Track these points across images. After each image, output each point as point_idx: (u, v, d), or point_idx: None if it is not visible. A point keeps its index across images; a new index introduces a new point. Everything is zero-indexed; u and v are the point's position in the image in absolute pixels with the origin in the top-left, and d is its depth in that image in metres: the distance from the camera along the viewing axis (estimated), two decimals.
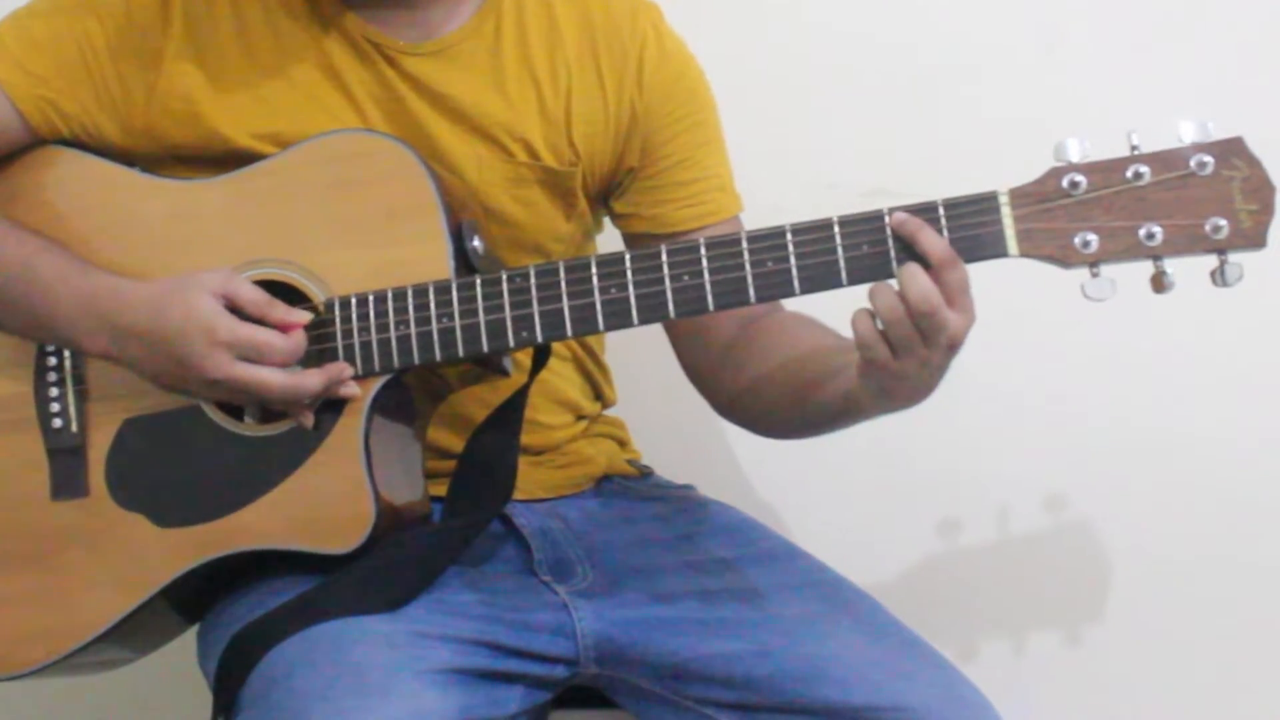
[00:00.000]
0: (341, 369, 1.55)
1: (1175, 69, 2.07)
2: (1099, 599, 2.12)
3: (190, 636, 1.73)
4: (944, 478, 2.12)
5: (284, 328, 1.56)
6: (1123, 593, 2.11)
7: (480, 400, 1.66)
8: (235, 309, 1.55)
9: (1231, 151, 1.40)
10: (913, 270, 1.42)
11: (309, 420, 1.56)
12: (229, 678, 1.51)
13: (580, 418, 1.80)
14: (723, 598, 1.61)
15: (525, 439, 1.65)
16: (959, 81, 2.10)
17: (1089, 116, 2.00)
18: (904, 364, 1.43)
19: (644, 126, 1.71)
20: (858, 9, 2.14)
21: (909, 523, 2.13)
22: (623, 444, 1.85)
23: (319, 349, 1.58)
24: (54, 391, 1.64)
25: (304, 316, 1.57)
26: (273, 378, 1.54)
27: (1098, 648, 2.11)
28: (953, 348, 1.44)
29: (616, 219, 1.76)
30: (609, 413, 1.87)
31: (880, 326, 1.42)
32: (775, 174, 2.06)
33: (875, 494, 2.13)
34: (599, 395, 1.84)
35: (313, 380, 1.54)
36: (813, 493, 2.12)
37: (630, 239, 1.76)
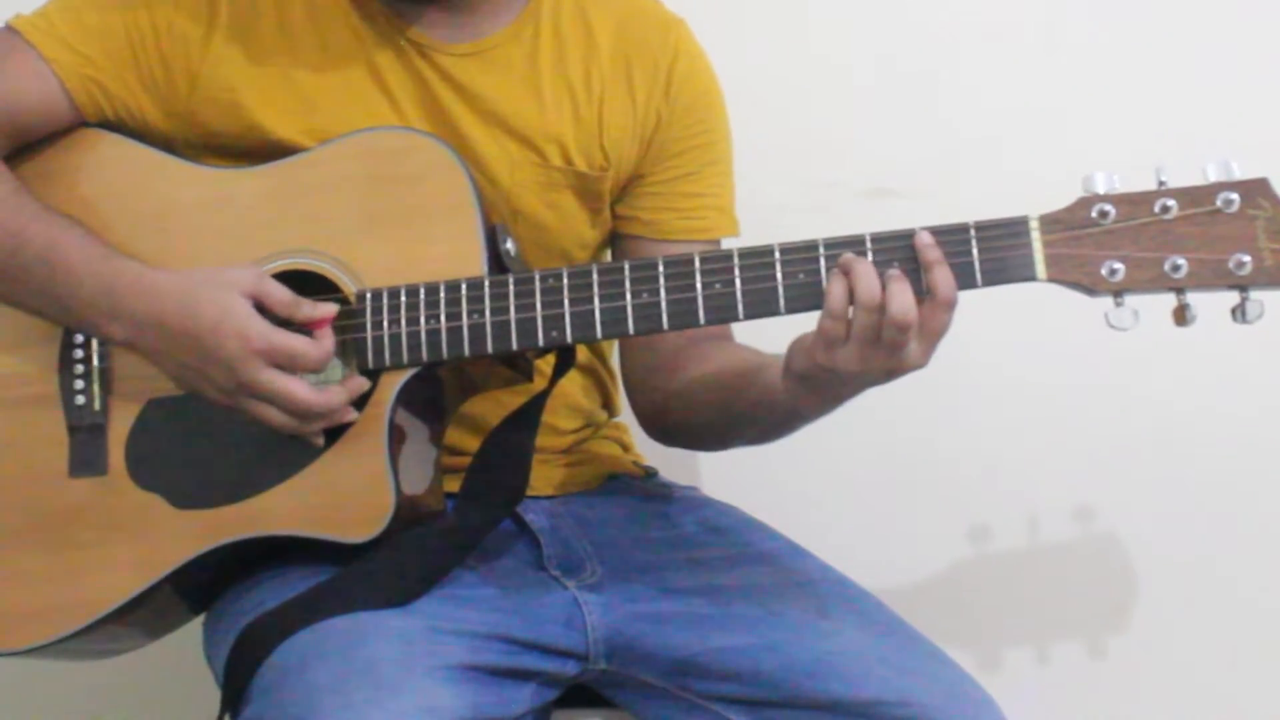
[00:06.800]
0: (362, 383, 1.56)
1: (1172, 65, 2.11)
2: (1111, 599, 2.14)
3: (193, 631, 1.72)
4: (948, 478, 2.13)
5: (312, 325, 1.57)
6: (1145, 596, 2.12)
7: (495, 400, 1.68)
8: (263, 309, 1.56)
9: (1257, 191, 1.43)
10: (903, 285, 1.43)
11: (319, 439, 1.57)
12: (239, 669, 1.51)
13: (589, 424, 1.82)
14: (729, 594, 1.62)
15: (537, 440, 1.66)
16: (960, 80, 2.13)
17: (1089, 114, 2.07)
18: (848, 354, 1.44)
19: (661, 135, 1.74)
20: (860, 8, 2.17)
21: (911, 523, 2.15)
22: (626, 448, 1.87)
23: (344, 340, 1.58)
24: (79, 368, 1.64)
25: (330, 310, 1.57)
26: (299, 391, 1.54)
27: (1103, 645, 2.13)
28: (890, 374, 1.46)
29: (612, 220, 1.78)
30: (614, 420, 1.89)
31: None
32: (776, 173, 2.09)
33: (878, 496, 2.14)
34: (607, 403, 1.86)
35: (336, 396, 1.55)
36: (815, 497, 2.13)
37: (618, 240, 1.78)
